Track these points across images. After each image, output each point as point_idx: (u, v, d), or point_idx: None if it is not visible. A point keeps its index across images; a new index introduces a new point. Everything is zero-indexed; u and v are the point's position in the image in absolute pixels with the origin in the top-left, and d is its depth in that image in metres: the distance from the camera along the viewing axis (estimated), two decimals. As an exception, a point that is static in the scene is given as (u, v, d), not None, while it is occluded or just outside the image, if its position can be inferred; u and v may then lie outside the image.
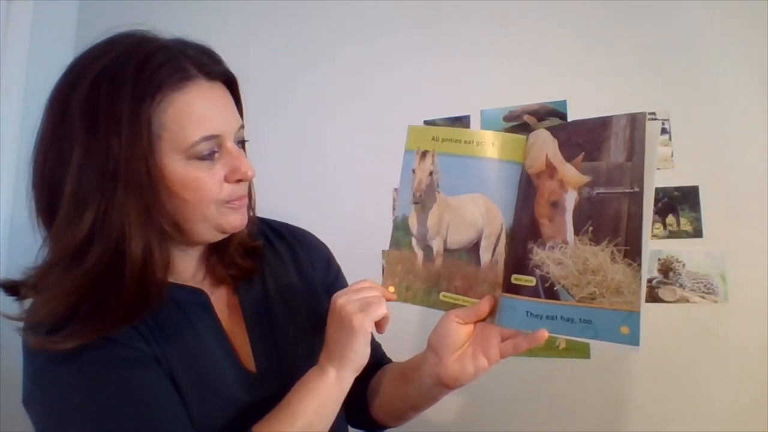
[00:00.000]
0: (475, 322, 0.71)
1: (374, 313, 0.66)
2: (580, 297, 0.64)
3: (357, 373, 0.69)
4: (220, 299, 0.77)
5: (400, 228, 0.78)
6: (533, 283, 0.67)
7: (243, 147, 0.74)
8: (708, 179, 1.09)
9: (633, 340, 0.61)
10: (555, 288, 0.65)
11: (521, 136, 0.73)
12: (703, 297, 1.11)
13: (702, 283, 1.12)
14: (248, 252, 0.79)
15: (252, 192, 0.77)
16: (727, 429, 1.08)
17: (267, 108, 1.38)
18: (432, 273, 0.75)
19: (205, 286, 0.76)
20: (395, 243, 0.77)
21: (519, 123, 1.08)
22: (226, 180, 0.68)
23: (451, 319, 0.71)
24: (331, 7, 1.41)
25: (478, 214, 0.74)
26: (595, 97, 1.19)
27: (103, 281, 0.62)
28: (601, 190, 0.63)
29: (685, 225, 1.14)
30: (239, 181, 0.69)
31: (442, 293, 0.75)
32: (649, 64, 1.21)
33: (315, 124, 1.41)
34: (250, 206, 0.77)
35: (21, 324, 0.64)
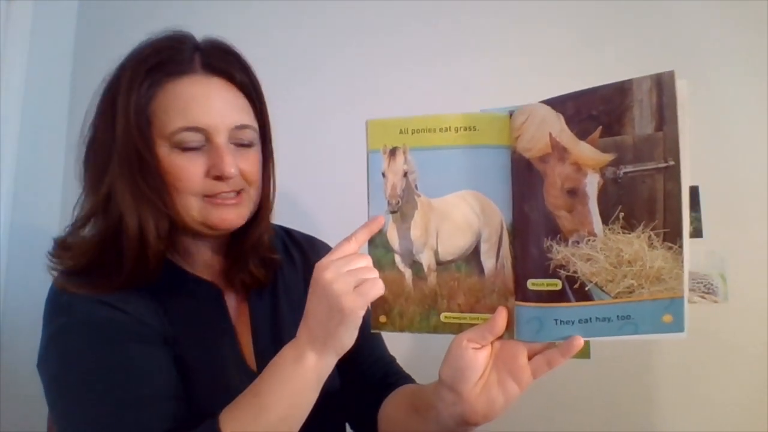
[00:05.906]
0: (492, 342, 0.61)
1: (369, 295, 0.58)
2: (616, 293, 0.55)
3: (339, 356, 0.61)
4: (231, 300, 0.78)
5: (378, 245, 0.64)
6: (558, 287, 0.57)
7: (266, 148, 0.77)
8: (708, 179, 1.06)
9: (677, 327, 0.55)
10: (586, 288, 0.56)
11: (503, 114, 0.61)
12: (703, 297, 1.10)
13: (702, 283, 1.10)
14: (264, 263, 0.79)
15: (271, 196, 0.78)
16: (727, 429, 1.08)
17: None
18: (426, 293, 0.63)
19: (219, 284, 0.77)
20: (375, 264, 0.62)
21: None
22: (207, 174, 0.68)
23: (464, 345, 0.59)
24: (331, 7, 1.35)
25: (471, 214, 0.62)
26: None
27: (109, 248, 0.68)
28: (629, 168, 0.53)
29: (685, 225, 1.14)
30: (218, 178, 0.68)
31: (443, 314, 0.63)
32: (649, 65, 1.18)
33: (313, 125, 1.33)
34: (265, 211, 0.77)
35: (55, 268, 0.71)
